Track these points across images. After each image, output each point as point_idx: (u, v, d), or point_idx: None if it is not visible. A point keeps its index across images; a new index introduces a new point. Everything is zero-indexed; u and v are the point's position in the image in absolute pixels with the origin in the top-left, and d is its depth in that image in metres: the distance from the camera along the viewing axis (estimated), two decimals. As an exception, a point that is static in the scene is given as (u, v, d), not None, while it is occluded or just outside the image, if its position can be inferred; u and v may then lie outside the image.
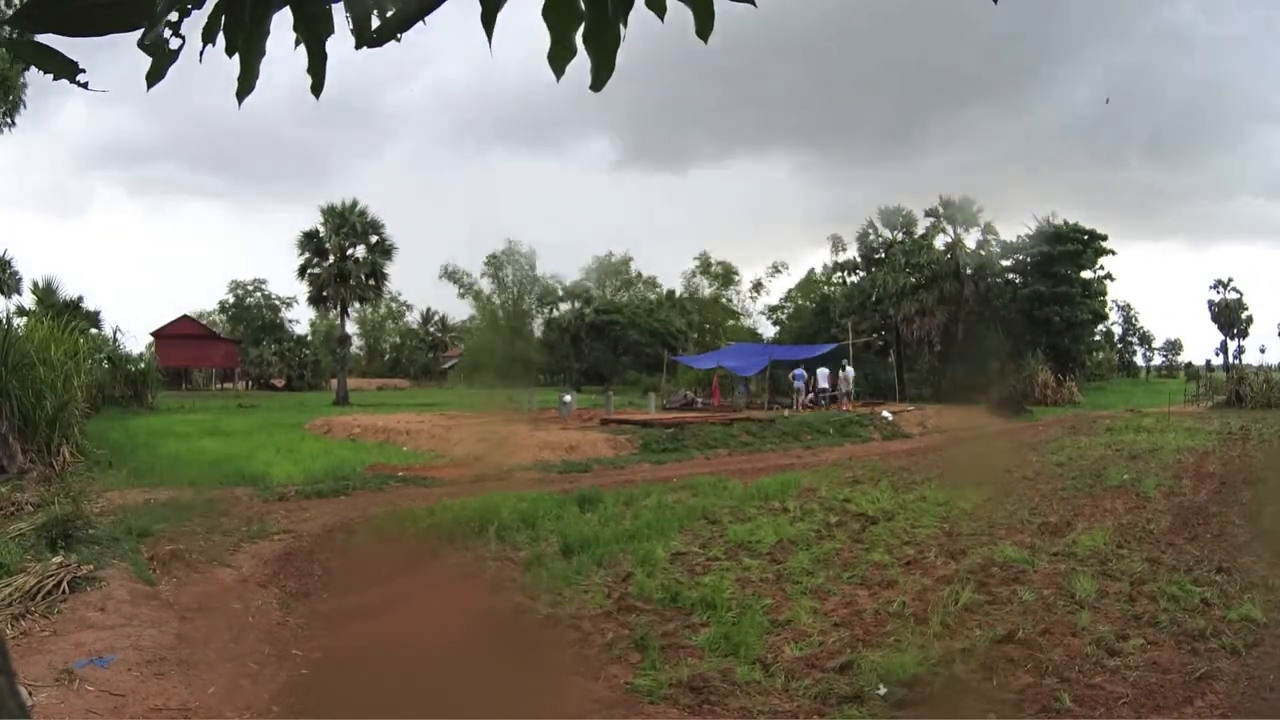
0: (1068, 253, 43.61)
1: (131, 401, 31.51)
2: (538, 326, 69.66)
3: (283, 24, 1.39)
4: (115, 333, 38.50)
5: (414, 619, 6.33)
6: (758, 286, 68.53)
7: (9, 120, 16.39)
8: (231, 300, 69.37)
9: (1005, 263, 46.08)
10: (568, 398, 27.52)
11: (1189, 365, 79.89)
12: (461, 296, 69.03)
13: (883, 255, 46.46)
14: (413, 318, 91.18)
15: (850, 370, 30.65)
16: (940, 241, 44.56)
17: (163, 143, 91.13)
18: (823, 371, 30.18)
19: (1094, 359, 51.60)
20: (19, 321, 15.92)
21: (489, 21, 1.31)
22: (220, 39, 1.35)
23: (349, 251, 43.50)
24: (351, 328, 60.97)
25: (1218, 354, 72.71)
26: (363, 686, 4.93)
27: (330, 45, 1.42)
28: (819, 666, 5.15)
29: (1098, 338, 52.22)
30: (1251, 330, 67.57)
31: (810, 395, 28.88)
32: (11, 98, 15.92)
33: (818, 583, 7.01)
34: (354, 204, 43.69)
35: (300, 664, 5.36)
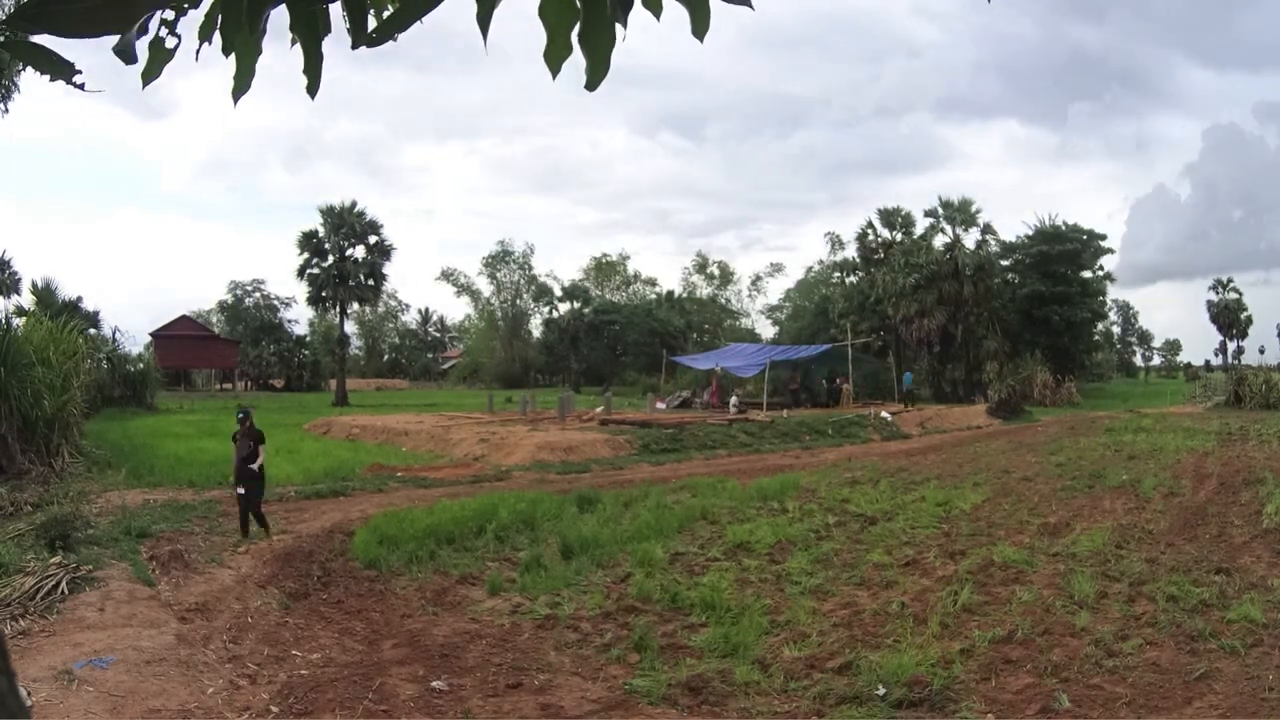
0: (1067, 252, 43.59)
1: (130, 402, 31.52)
2: (536, 327, 69.82)
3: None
4: (114, 333, 38.52)
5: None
6: (755, 283, 68.73)
7: (3, 107, 16.38)
8: (230, 300, 69.45)
9: (1004, 262, 46.09)
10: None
11: (1188, 365, 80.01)
12: (458, 295, 69.31)
13: (882, 255, 46.46)
14: (410, 317, 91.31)
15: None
16: (939, 241, 44.57)
17: None
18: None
19: (1093, 359, 51.55)
20: (18, 322, 15.90)
21: (484, 21, 1.31)
22: (216, 37, 1.35)
23: (348, 252, 43.49)
24: (351, 328, 61.08)
25: (1217, 354, 72.73)
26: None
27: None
28: (818, 667, 5.14)
29: (1097, 337, 52.19)
30: (1250, 330, 67.51)
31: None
32: (5, 84, 15.90)
33: (817, 583, 7.01)
34: (352, 205, 43.73)
35: (299, 664, 5.36)
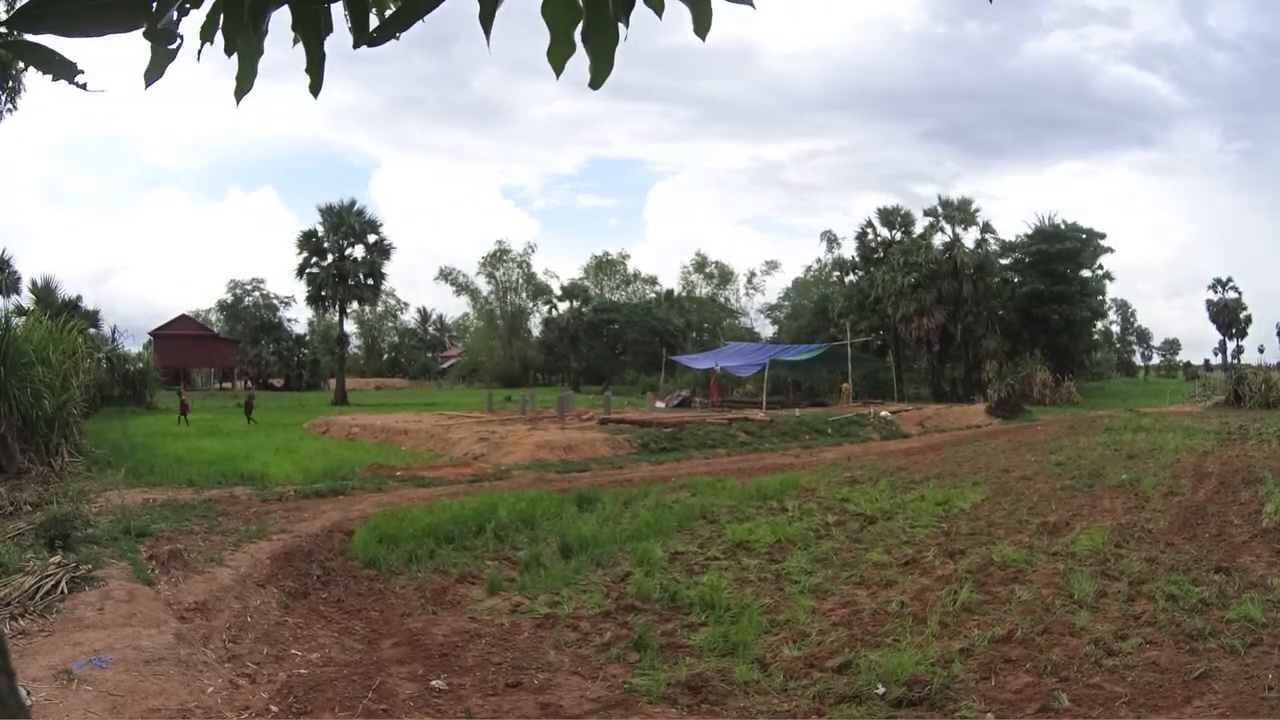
0: (1066, 251, 43.59)
1: (130, 401, 31.52)
2: (535, 326, 69.81)
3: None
4: (114, 332, 38.49)
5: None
6: (751, 279, 68.79)
7: (10, 105, 16.39)
8: (230, 299, 69.40)
9: (1004, 261, 46.09)
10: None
11: (1187, 365, 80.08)
12: (458, 294, 69.25)
13: (881, 254, 46.48)
14: (410, 316, 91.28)
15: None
16: (939, 241, 44.59)
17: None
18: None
19: (1092, 358, 51.57)
20: (17, 321, 15.88)
21: (487, 20, 1.31)
22: (219, 37, 1.35)
23: (347, 251, 43.47)
24: (350, 327, 61.06)
25: (1216, 353, 72.81)
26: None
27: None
28: (817, 666, 5.15)
29: (1096, 336, 52.21)
30: (1250, 330, 67.60)
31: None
32: (12, 85, 15.91)
33: (816, 582, 7.01)
34: (352, 203, 43.73)
35: (299, 664, 5.36)
